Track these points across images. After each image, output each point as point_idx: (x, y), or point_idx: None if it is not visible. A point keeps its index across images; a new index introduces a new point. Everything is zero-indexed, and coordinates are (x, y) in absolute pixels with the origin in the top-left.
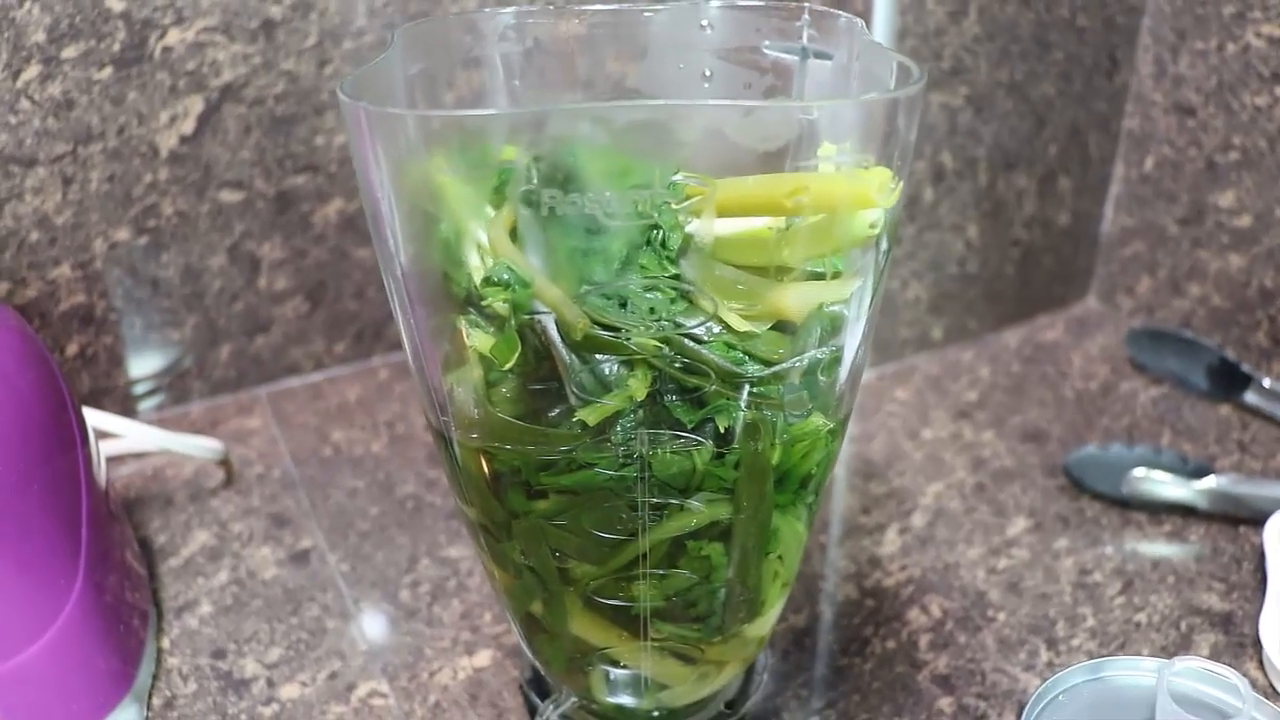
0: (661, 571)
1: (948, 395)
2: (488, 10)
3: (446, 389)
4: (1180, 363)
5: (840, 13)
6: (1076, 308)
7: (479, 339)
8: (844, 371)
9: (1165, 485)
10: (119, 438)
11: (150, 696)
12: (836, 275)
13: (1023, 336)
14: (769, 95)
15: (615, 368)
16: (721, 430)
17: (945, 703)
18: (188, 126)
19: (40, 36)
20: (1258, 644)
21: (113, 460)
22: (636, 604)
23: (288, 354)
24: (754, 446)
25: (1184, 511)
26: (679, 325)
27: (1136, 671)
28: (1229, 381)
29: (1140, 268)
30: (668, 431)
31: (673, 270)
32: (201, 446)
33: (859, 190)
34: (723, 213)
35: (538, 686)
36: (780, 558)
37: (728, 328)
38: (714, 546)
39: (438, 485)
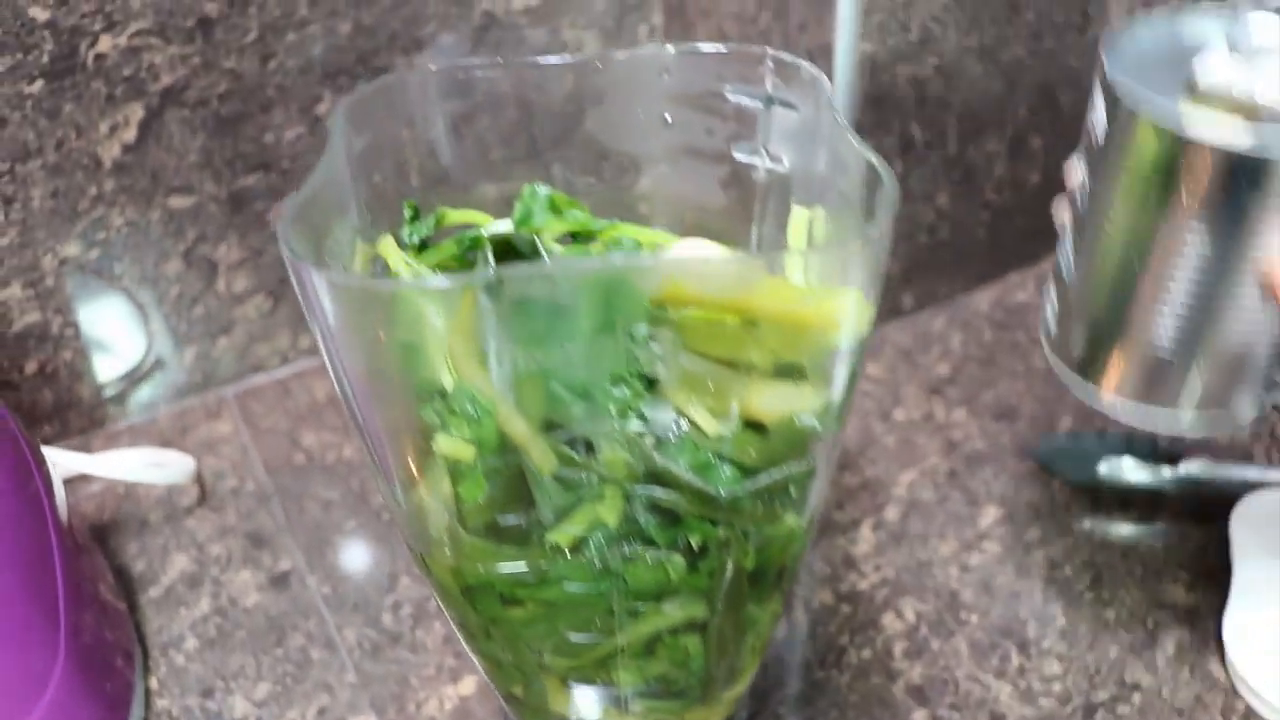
0: (639, 661)
1: (919, 369)
2: (432, 67)
3: (415, 504)
4: None
5: (802, 62)
6: (1047, 262)
7: (447, 445)
8: (818, 481)
9: (1135, 470)
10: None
11: None
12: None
13: (993, 298)
14: (732, 143)
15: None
16: (695, 547)
17: (920, 716)
18: (130, 135)
19: None
20: (1221, 641)
21: (79, 479)
22: (616, 687)
23: (253, 352)
24: (727, 557)
25: (1152, 497)
26: (645, 419)
27: None
28: None
29: None
30: (641, 546)
31: (640, 351)
32: (172, 471)
33: (825, 312)
34: (678, 303)
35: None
36: (757, 633)
37: (696, 427)
38: (690, 639)
39: None
